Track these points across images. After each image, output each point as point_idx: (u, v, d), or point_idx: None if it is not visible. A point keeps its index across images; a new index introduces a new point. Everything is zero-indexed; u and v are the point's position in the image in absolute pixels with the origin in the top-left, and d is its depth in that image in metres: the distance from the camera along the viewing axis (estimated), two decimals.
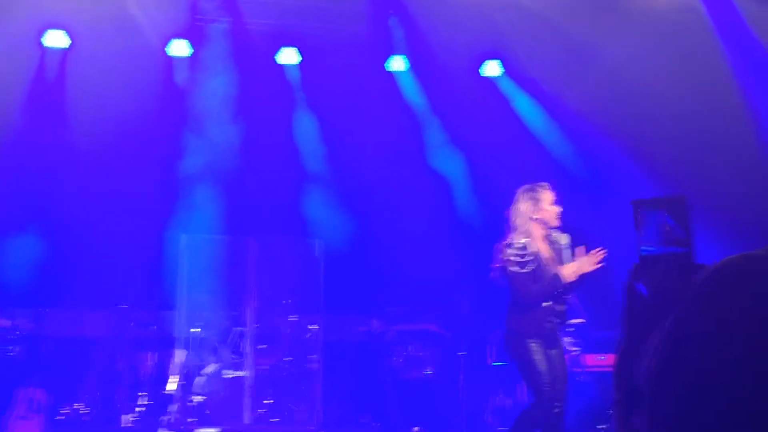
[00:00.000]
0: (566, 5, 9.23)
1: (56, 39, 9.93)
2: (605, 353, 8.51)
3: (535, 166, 9.63)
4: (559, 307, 6.38)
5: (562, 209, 6.48)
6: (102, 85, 9.77)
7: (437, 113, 10.70)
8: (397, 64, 10.52)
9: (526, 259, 6.32)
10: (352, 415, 9.89)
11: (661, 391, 1.24)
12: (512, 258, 6.33)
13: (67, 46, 9.97)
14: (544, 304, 6.32)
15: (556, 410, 6.23)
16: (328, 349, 9.76)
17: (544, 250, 6.42)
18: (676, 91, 9.21)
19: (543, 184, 6.62)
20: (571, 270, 6.31)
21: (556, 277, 6.32)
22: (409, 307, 10.20)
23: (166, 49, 10.07)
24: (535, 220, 6.43)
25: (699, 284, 1.26)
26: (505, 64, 10.59)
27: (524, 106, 10.73)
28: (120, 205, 10.03)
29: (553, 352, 6.36)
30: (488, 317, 9.47)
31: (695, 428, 1.19)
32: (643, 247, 1.53)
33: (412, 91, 10.71)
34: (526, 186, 6.62)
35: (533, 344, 6.28)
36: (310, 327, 9.65)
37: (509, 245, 6.38)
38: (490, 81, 10.77)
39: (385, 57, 10.51)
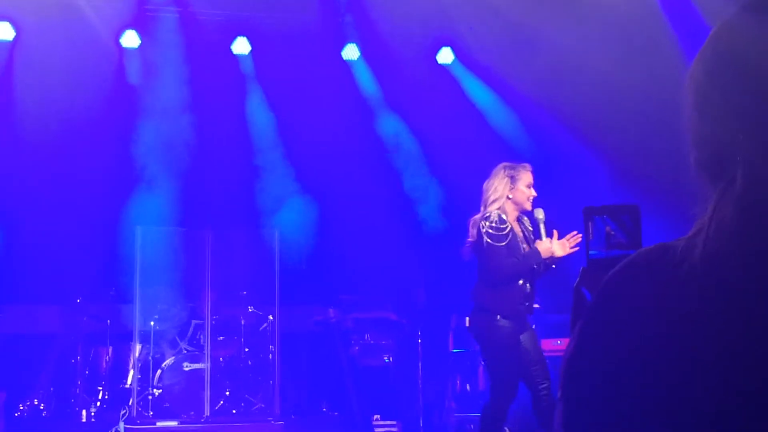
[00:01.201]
0: None
1: (0, 31, 9.76)
2: (560, 337, 8.59)
3: (490, 153, 9.68)
4: (528, 289, 6.40)
5: (536, 195, 6.48)
6: (50, 77, 9.64)
7: (392, 101, 10.70)
8: (351, 52, 10.49)
9: (504, 232, 6.32)
10: (312, 405, 9.91)
11: (570, 387, 1.30)
12: (490, 231, 6.30)
13: (11, 39, 9.81)
14: (519, 282, 6.32)
15: (543, 392, 6.26)
16: (286, 340, 9.77)
17: (516, 231, 6.47)
18: (627, 79, 9.30)
19: (525, 165, 6.61)
20: (545, 247, 6.35)
21: (535, 251, 6.34)
22: (366, 295, 10.24)
23: (119, 40, 9.96)
24: (509, 198, 6.44)
25: (612, 273, 1.31)
26: (456, 51, 10.61)
27: (477, 92, 10.77)
28: (73, 199, 9.94)
29: (525, 336, 6.38)
30: (446, 304, 9.53)
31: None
32: (590, 252, 1.56)
33: (366, 80, 10.70)
34: (507, 163, 6.61)
35: (505, 323, 6.27)
36: (268, 318, 9.65)
37: (486, 218, 6.35)
38: (444, 68, 10.79)
39: (340, 46, 10.48)
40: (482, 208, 6.48)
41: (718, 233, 1.20)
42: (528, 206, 6.48)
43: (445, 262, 9.39)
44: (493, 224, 6.32)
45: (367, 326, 9.93)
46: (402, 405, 9.56)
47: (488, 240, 6.29)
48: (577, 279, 1.56)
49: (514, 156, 9.77)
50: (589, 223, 1.58)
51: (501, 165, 6.60)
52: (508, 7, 9.32)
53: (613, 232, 1.54)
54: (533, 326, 6.61)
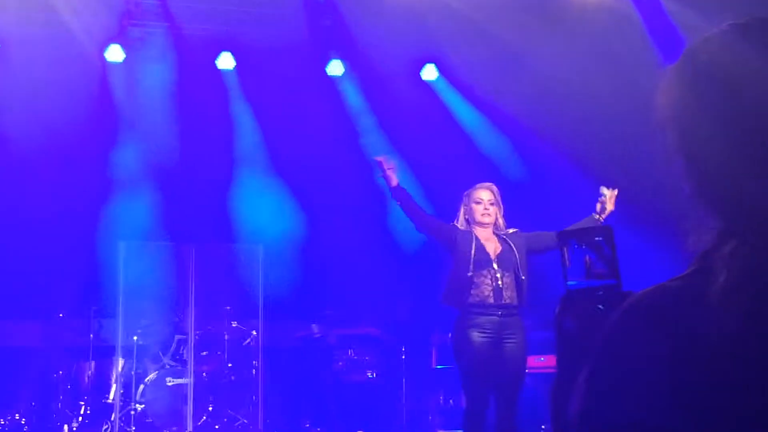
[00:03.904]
0: (497, 9, 9.29)
1: None
2: (544, 354, 8.58)
3: (474, 170, 9.70)
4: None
5: (483, 206, 6.67)
6: (34, 92, 9.58)
7: (377, 117, 10.71)
8: (335, 68, 10.49)
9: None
10: (295, 421, 9.88)
11: (590, 425, 1.27)
12: None
13: None
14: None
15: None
16: (269, 355, 9.75)
17: (492, 249, 6.59)
18: (611, 95, 9.33)
19: (480, 184, 6.85)
20: None
21: None
22: (350, 311, 10.23)
23: (103, 54, 9.92)
24: (466, 219, 6.69)
25: (613, 321, 1.29)
26: (440, 68, 10.63)
27: (461, 109, 10.79)
28: (55, 213, 9.89)
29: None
30: (430, 320, 9.52)
31: None
32: (568, 282, 1.55)
33: (351, 95, 10.71)
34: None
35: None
36: (252, 333, 9.63)
37: None
38: (427, 85, 10.80)
39: (324, 61, 10.48)
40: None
41: (744, 272, 1.18)
42: (482, 219, 6.77)
43: (428, 278, 9.39)
44: None
45: (350, 342, 9.91)
46: (385, 421, 9.55)
47: None
48: (557, 308, 1.56)
49: (498, 173, 9.81)
50: (565, 248, 1.57)
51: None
52: (493, 23, 9.35)
53: (591, 261, 1.54)
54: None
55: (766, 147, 1.20)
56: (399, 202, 6.84)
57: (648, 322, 1.24)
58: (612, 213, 6.84)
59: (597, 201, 6.85)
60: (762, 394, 1.14)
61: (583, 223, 6.75)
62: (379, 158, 7.02)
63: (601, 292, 1.51)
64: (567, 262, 1.56)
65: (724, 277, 1.19)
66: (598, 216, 6.81)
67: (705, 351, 1.18)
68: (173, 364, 9.39)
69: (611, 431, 1.24)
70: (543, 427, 8.23)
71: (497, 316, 6.52)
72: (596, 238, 1.54)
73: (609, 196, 6.83)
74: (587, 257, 1.53)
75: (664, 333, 1.22)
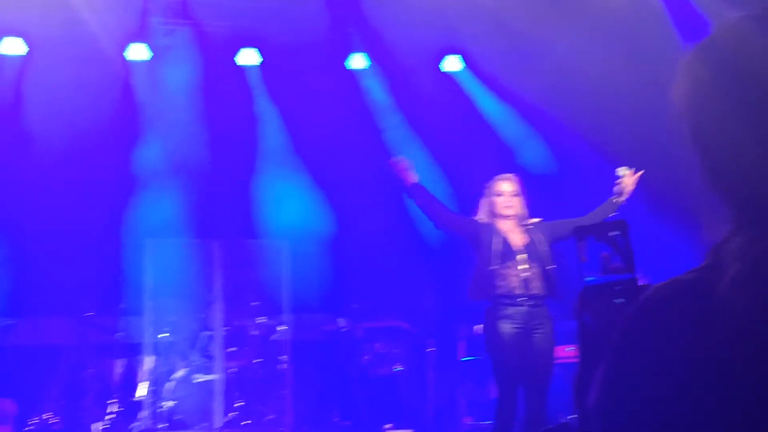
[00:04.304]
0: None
1: (13, 46, 9.80)
2: (573, 344, 8.53)
3: (497, 160, 9.67)
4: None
5: (505, 198, 6.65)
6: (61, 92, 9.66)
7: (400, 110, 10.69)
8: (358, 61, 10.48)
9: None
10: (323, 415, 9.89)
11: (606, 417, 1.27)
12: None
13: (25, 53, 9.85)
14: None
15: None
16: (297, 350, 9.76)
17: (517, 241, 6.56)
18: (632, 83, 9.27)
19: (500, 175, 6.84)
20: None
21: None
22: (376, 304, 10.22)
23: (124, 53, 9.97)
24: (489, 212, 6.67)
25: (628, 316, 1.29)
26: (465, 59, 10.59)
27: (484, 100, 10.75)
28: (82, 212, 9.95)
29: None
30: (457, 312, 9.51)
31: None
32: (586, 278, 1.55)
33: (374, 89, 10.70)
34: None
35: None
36: (278, 328, 9.64)
37: None
38: (450, 77, 10.77)
39: (347, 55, 10.47)
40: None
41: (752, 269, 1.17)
42: (504, 212, 6.76)
43: (455, 270, 9.38)
44: None
45: (377, 335, 9.91)
46: (413, 414, 9.55)
47: None
48: (577, 302, 1.55)
49: (521, 163, 9.78)
50: (582, 243, 1.56)
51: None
52: (514, 13, 9.30)
53: (608, 256, 1.53)
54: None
55: None
56: (416, 201, 6.82)
57: (662, 317, 1.24)
58: (636, 201, 6.80)
59: (617, 184, 6.81)
60: None
61: (600, 210, 6.73)
62: (393, 161, 7.01)
63: (618, 287, 1.51)
64: (584, 257, 1.56)
65: (735, 270, 1.18)
66: (617, 199, 6.77)
67: (717, 344, 1.17)
68: (201, 360, 9.42)
69: (627, 423, 1.24)
70: (568, 417, 8.18)
71: (525, 307, 6.52)
72: (612, 233, 1.54)
73: (629, 176, 6.79)
74: (604, 252, 1.53)
75: (677, 327, 1.22)
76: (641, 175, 6.87)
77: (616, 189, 6.82)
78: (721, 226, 1.25)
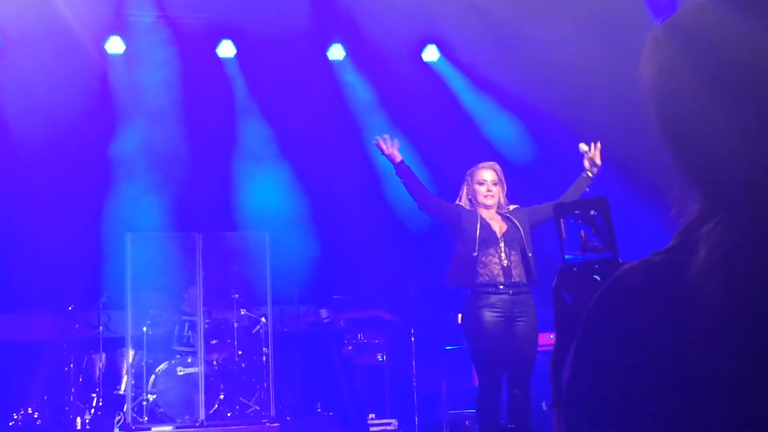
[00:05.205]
0: None
1: None
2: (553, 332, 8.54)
3: (476, 149, 9.68)
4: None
5: (486, 187, 6.66)
6: (37, 85, 9.59)
7: (379, 100, 10.67)
8: (337, 52, 10.45)
9: None
10: (306, 406, 9.90)
11: (574, 396, 1.28)
12: None
13: None
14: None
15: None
16: (279, 341, 9.76)
17: (497, 228, 6.58)
18: (610, 70, 9.28)
19: (482, 163, 6.85)
20: None
21: None
22: (358, 294, 10.22)
23: (100, 46, 9.90)
24: (469, 199, 6.67)
25: (597, 297, 1.27)
26: (441, 49, 10.57)
27: (462, 89, 10.75)
28: (62, 206, 9.90)
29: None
30: (438, 301, 9.51)
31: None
32: (565, 255, 1.54)
33: (353, 79, 10.67)
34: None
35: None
36: (260, 320, 9.63)
37: None
38: (429, 66, 10.76)
39: (325, 46, 10.44)
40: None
41: (718, 253, 1.16)
42: (485, 201, 6.78)
43: (436, 259, 9.38)
44: None
45: (359, 325, 9.91)
46: (397, 403, 9.56)
47: None
48: (555, 280, 1.55)
49: (500, 152, 9.78)
50: (561, 221, 1.55)
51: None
52: (493, 1, 9.30)
53: (588, 235, 1.52)
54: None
55: (748, 119, 1.18)
56: (402, 179, 6.83)
57: (629, 298, 1.23)
58: (614, 183, 6.86)
59: (583, 159, 6.85)
60: (741, 370, 1.13)
61: (575, 186, 6.76)
62: (378, 140, 6.99)
63: (597, 266, 1.50)
64: (563, 234, 1.55)
65: (705, 252, 1.17)
66: (588, 174, 6.80)
67: (684, 327, 1.16)
68: (184, 353, 9.40)
69: (592, 404, 1.23)
70: (543, 404, 8.19)
71: (507, 294, 6.53)
72: (591, 212, 1.53)
73: (592, 149, 6.83)
74: (583, 231, 1.52)
75: (644, 309, 1.20)
76: (602, 148, 6.91)
77: (586, 164, 6.86)
78: (690, 206, 1.24)
